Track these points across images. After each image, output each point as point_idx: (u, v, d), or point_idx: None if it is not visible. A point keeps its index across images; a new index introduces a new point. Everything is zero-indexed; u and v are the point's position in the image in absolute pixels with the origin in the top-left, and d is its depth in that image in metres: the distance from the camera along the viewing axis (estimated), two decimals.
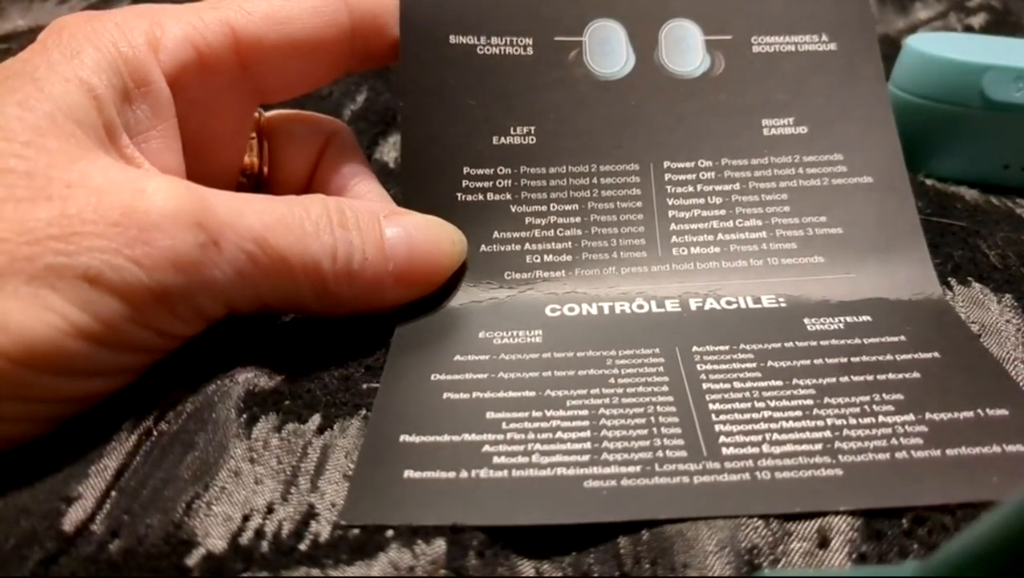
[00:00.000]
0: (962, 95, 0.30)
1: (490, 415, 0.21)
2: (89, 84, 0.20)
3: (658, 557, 0.17)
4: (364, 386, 0.22)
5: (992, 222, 0.29)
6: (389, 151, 0.36)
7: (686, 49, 0.28)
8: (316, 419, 0.21)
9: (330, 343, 0.24)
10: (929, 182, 0.31)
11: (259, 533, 0.18)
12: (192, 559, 0.17)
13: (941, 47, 0.30)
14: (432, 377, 0.22)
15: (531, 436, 0.20)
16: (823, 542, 0.17)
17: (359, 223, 0.23)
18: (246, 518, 0.18)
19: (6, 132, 0.19)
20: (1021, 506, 0.12)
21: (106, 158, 0.20)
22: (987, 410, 0.20)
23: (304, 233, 0.21)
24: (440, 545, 0.17)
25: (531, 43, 0.27)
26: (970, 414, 0.20)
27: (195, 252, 0.20)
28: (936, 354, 0.22)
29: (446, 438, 0.20)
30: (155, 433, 0.20)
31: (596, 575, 0.17)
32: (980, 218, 0.29)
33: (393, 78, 0.40)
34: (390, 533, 0.18)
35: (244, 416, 0.21)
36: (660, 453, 0.19)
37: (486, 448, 0.20)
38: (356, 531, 0.18)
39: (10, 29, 0.50)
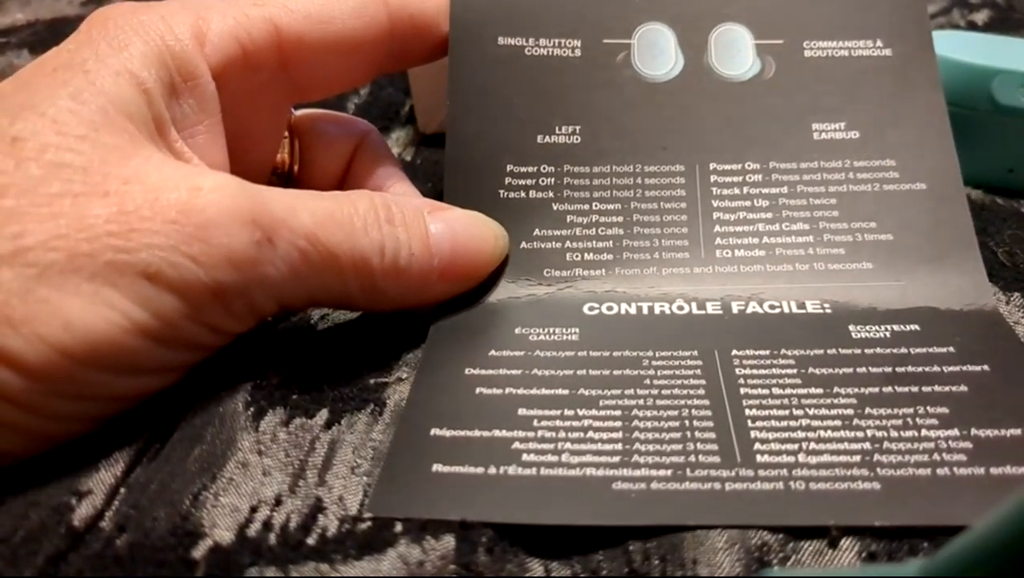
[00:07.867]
0: (970, 98, 0.30)
1: (522, 412, 0.20)
2: (139, 77, 0.20)
3: (668, 553, 0.17)
4: (372, 381, 0.22)
5: (999, 220, 0.29)
6: (392, 147, 0.36)
7: (736, 52, 0.27)
8: (324, 414, 0.21)
9: (338, 340, 0.24)
10: None
11: (267, 525, 0.18)
12: (199, 551, 0.17)
13: (951, 48, 0.30)
14: (466, 371, 0.22)
15: (562, 434, 0.20)
16: (833, 540, 0.17)
17: (405, 219, 0.22)
18: (254, 509, 0.18)
19: (60, 125, 0.19)
20: None
21: (159, 154, 0.20)
22: None
23: (353, 229, 0.21)
24: (449, 541, 0.17)
25: (579, 45, 0.27)
26: (1018, 432, 0.19)
27: (251, 249, 0.19)
28: (986, 367, 0.22)
29: (476, 433, 0.20)
30: (163, 429, 0.20)
31: (605, 572, 0.17)
32: (987, 216, 0.29)
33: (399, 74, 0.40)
34: (399, 528, 0.18)
35: (251, 409, 0.21)
36: (692, 457, 0.19)
37: (516, 445, 0.19)
38: (364, 526, 0.18)
39: (9, 23, 0.49)
